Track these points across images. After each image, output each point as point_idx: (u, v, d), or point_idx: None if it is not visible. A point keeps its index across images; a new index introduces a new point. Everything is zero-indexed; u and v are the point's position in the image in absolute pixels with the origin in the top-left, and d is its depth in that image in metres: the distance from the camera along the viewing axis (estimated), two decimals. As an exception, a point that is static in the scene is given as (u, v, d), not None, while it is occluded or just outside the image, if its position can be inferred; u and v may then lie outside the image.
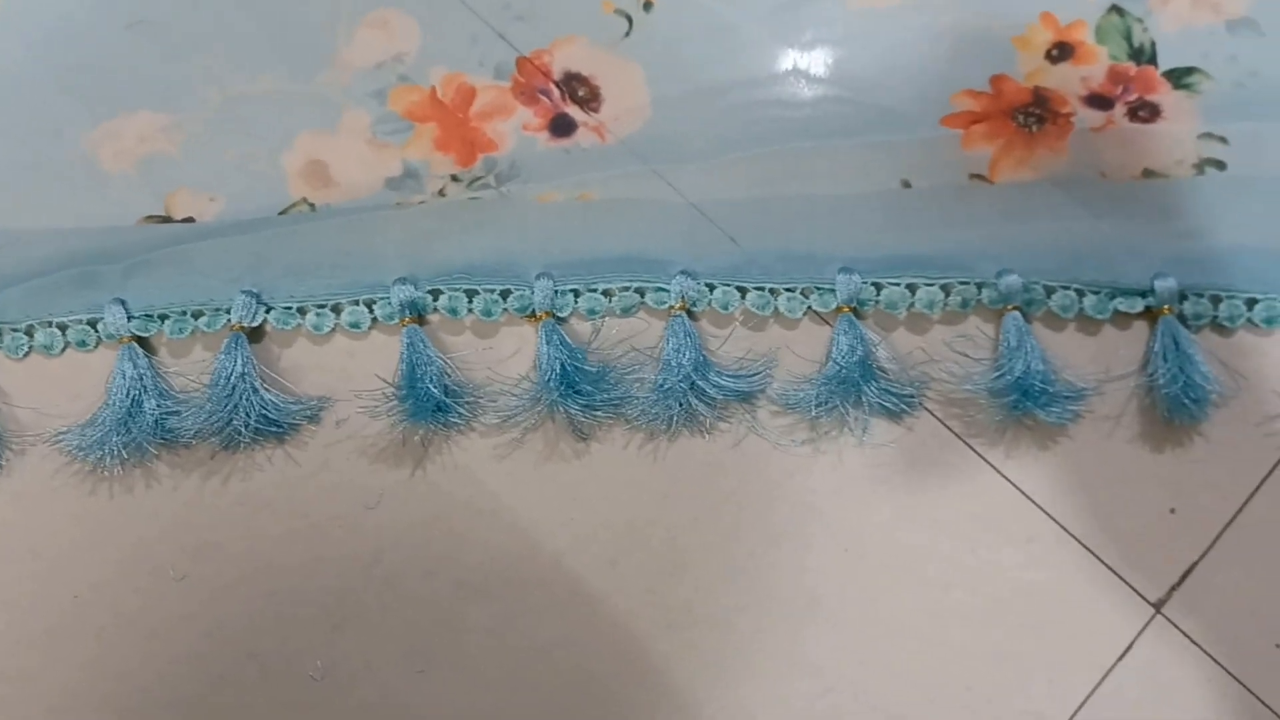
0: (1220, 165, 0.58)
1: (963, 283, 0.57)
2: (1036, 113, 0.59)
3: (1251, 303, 0.56)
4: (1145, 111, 0.59)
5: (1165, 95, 0.60)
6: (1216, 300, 0.57)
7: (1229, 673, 0.53)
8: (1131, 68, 0.60)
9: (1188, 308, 0.56)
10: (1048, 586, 0.54)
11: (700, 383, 0.55)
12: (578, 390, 0.55)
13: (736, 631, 0.54)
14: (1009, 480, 0.56)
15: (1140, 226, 0.58)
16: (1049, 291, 0.57)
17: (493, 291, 0.57)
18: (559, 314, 0.57)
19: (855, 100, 0.60)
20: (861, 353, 0.55)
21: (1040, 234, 0.58)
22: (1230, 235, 0.57)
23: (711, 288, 0.57)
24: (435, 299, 0.57)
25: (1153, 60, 0.61)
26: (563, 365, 0.55)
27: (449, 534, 0.55)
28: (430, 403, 0.54)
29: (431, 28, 0.62)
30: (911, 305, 0.57)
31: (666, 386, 0.55)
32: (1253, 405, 0.56)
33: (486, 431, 0.56)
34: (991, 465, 0.56)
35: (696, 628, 0.54)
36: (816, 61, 0.61)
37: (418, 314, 0.57)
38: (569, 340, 0.56)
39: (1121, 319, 0.57)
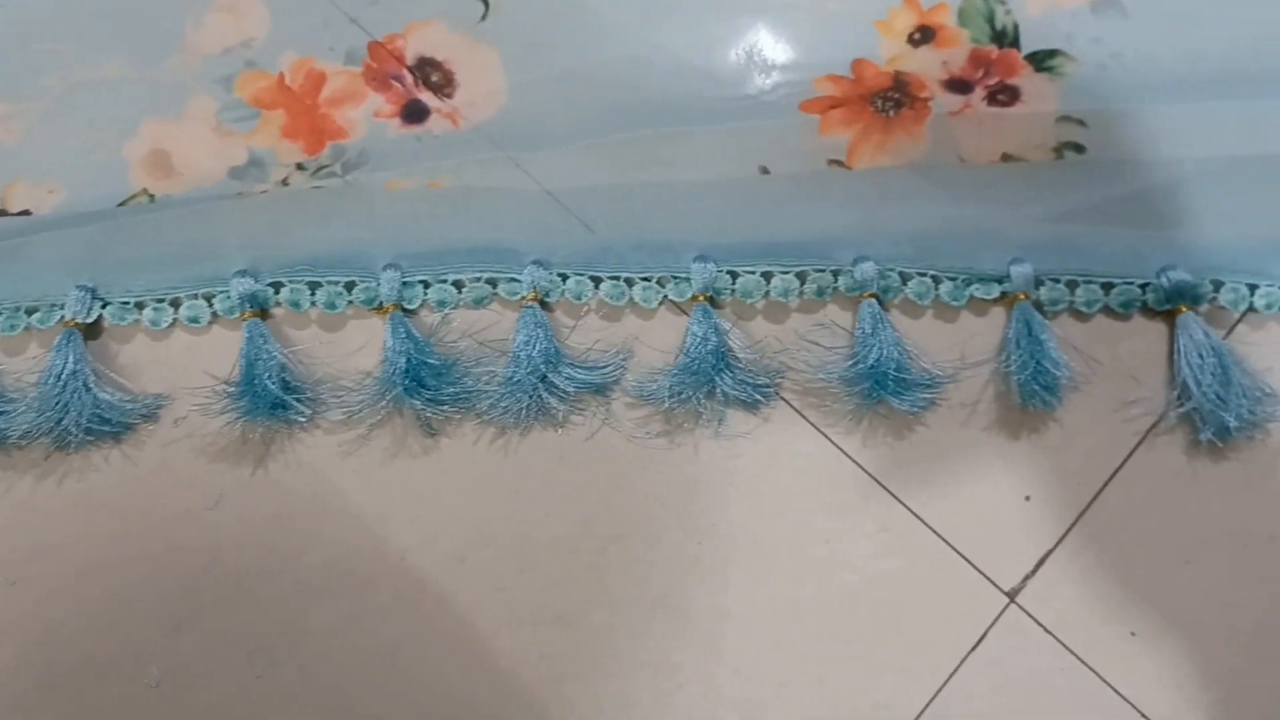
0: (1079, 149, 0.58)
1: (818, 270, 0.56)
2: (895, 97, 0.59)
3: (1108, 287, 0.56)
4: (1005, 95, 0.59)
5: (1026, 78, 0.59)
6: (1073, 285, 0.56)
7: (1083, 662, 0.53)
8: (993, 51, 0.60)
9: (1044, 293, 0.56)
10: (901, 577, 0.54)
11: (551, 375, 0.54)
12: (424, 384, 0.53)
13: (587, 628, 0.53)
14: (864, 469, 0.55)
15: (999, 211, 0.57)
16: (905, 279, 0.56)
17: (337, 284, 0.56)
18: (407, 306, 0.55)
19: (715, 85, 0.59)
20: (715, 343, 0.54)
21: (898, 220, 0.57)
22: (1089, 220, 0.57)
23: (565, 278, 0.56)
24: (277, 292, 0.55)
25: (1015, 43, 0.60)
26: (408, 359, 0.54)
27: (291, 533, 0.54)
28: (267, 399, 0.53)
29: (281, 12, 0.60)
30: (767, 294, 0.56)
31: (516, 379, 0.54)
32: (1109, 391, 0.55)
33: (332, 428, 0.55)
34: (847, 455, 0.55)
35: (546, 625, 0.53)
36: (676, 45, 0.60)
37: (259, 308, 0.55)
38: (416, 333, 0.55)
39: (979, 305, 0.56)
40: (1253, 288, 0.56)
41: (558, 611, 0.53)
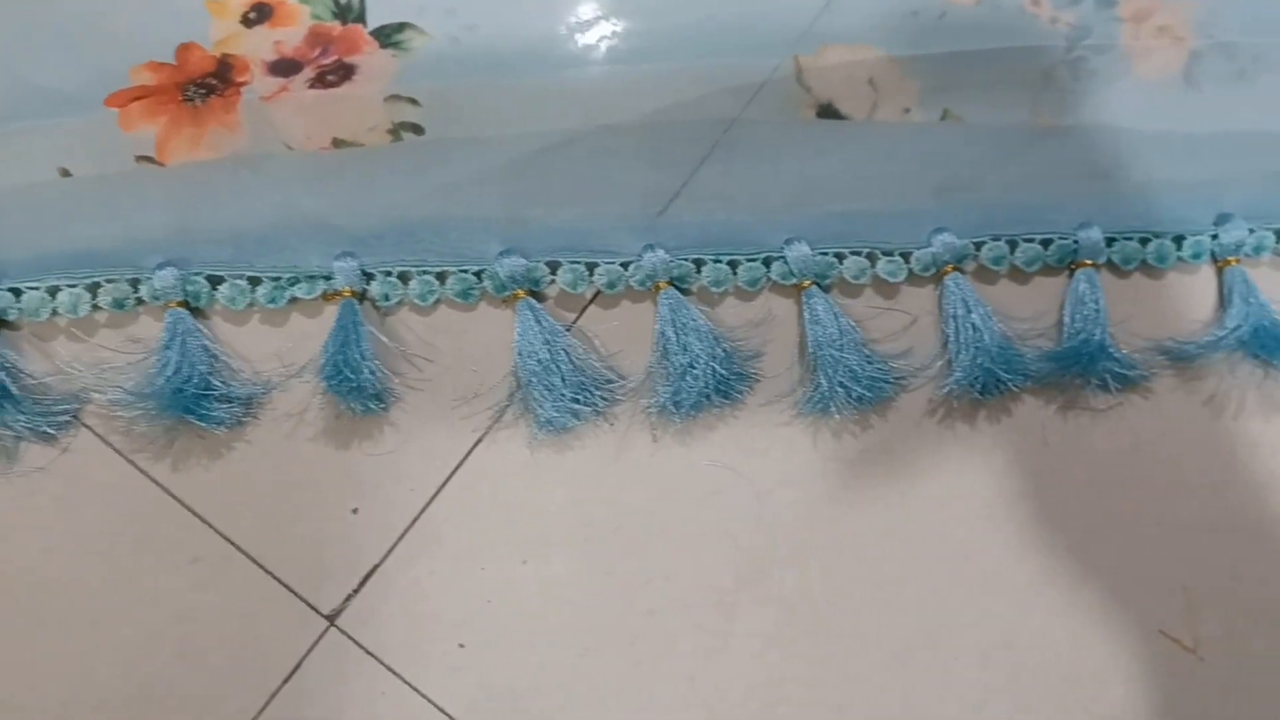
0: (418, 129, 0.54)
1: (111, 280, 0.51)
2: (211, 84, 0.54)
3: (443, 277, 0.53)
4: (336, 75, 0.54)
5: (369, 56, 0.55)
6: (406, 278, 0.52)
7: (405, 682, 0.49)
8: (336, 27, 0.55)
9: (375, 288, 0.52)
10: (213, 610, 0.49)
11: None
12: None
13: None
14: (173, 496, 0.50)
15: (331, 202, 0.53)
16: (215, 283, 0.51)
17: None
18: None
19: (9, 80, 0.53)
20: (-16, 370, 0.49)
21: (220, 219, 0.52)
22: (432, 205, 0.53)
23: None
24: None
25: (361, 18, 0.56)
26: None
27: None
28: None
29: None
30: (55, 311, 0.50)
31: None
32: (451, 386, 0.52)
33: None
34: (155, 481, 0.50)
35: None
36: (-28, 37, 0.53)
37: None
38: None
39: (312, 306, 0.52)
40: (591, 266, 0.53)
41: None
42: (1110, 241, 0.54)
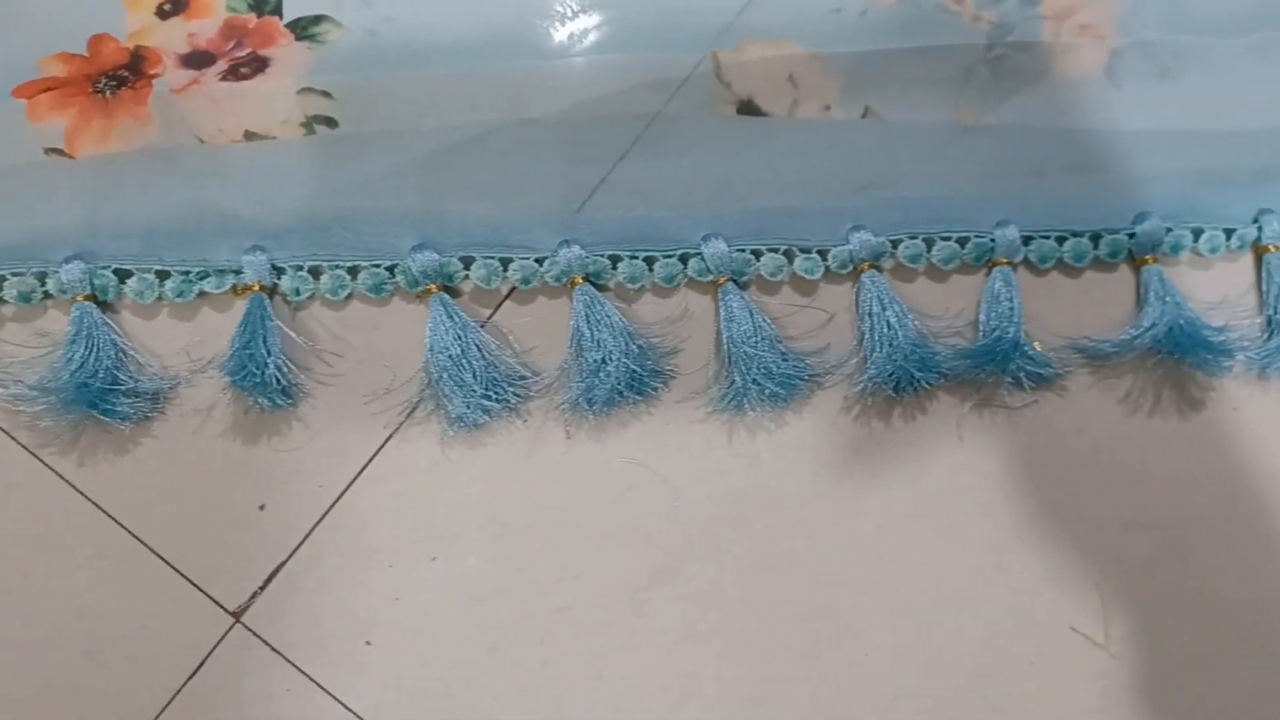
0: (331, 123, 0.53)
1: (17, 274, 0.50)
2: (122, 76, 0.53)
3: (355, 271, 0.52)
4: (249, 68, 0.54)
5: (284, 48, 0.54)
6: (318, 273, 0.52)
7: (311, 679, 0.49)
8: (252, 19, 0.55)
9: (285, 283, 0.52)
10: (118, 607, 0.49)
11: None
12: None
13: None
14: (79, 491, 0.50)
15: (243, 196, 0.52)
16: (123, 276, 0.51)
17: None
18: None
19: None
20: (-115, 364, 0.48)
21: (129, 212, 0.52)
22: (350, 199, 0.53)
23: None
24: None
25: (278, 10, 0.55)
26: None
27: None
28: None
29: None
30: (-42, 305, 0.50)
31: None
32: (363, 382, 0.52)
33: None
34: (61, 476, 0.50)
35: None
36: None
37: None
38: None
39: (221, 300, 0.52)
40: (506, 262, 0.53)
41: None
42: (1027, 240, 0.54)
